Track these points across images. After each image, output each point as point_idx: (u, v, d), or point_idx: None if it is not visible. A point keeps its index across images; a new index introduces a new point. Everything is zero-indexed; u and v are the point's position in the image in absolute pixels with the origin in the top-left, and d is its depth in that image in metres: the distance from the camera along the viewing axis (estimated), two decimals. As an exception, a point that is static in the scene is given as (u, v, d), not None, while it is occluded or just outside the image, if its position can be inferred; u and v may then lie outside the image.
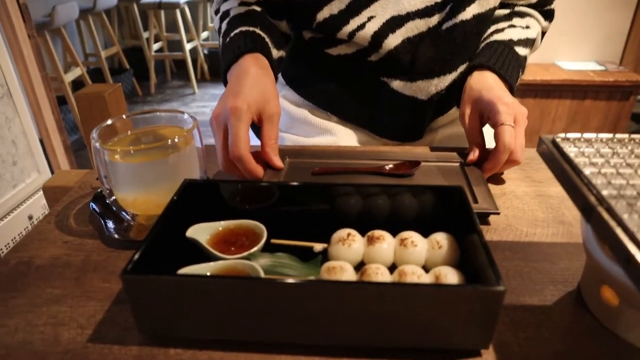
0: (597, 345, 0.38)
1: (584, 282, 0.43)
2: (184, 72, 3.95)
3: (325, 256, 0.44)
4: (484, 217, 0.53)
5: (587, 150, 0.41)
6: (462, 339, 0.36)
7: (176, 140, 0.49)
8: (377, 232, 0.43)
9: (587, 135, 0.43)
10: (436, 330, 0.35)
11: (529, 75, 2.31)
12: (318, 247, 0.44)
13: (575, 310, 0.41)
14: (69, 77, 2.83)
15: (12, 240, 1.62)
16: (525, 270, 0.46)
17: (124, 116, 0.53)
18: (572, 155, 0.40)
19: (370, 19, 0.68)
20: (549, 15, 0.79)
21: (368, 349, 0.37)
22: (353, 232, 0.44)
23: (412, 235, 0.43)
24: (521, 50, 0.71)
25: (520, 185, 0.61)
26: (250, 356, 0.37)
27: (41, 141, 1.91)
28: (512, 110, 0.60)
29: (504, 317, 0.40)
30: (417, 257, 0.42)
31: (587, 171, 0.38)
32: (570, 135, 0.43)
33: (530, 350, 0.37)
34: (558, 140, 0.43)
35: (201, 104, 3.62)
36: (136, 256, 0.36)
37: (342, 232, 0.44)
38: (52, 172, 1.98)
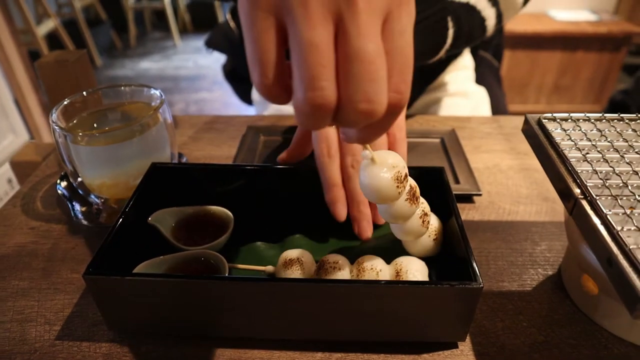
0: (575, 334, 0.37)
1: (565, 267, 0.43)
2: (165, 24, 3.77)
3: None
4: (466, 197, 0.52)
5: (574, 132, 0.39)
6: (438, 333, 0.35)
7: (143, 121, 0.46)
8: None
9: (575, 115, 0.41)
10: (409, 325, 0.34)
11: (520, 26, 2.24)
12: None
13: (555, 296, 0.41)
14: (41, 30, 2.69)
15: (-7, 204, 1.59)
16: (506, 252, 0.45)
17: (84, 93, 0.49)
18: (558, 139, 0.38)
19: None
20: None
21: (339, 343, 0.36)
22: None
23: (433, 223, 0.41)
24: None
25: (504, 158, 0.60)
26: (222, 352, 0.36)
27: (16, 101, 1.84)
28: None
29: (482, 305, 0.40)
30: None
31: (572, 158, 0.36)
32: (558, 115, 0.41)
33: (507, 340, 0.37)
34: (544, 120, 0.41)
35: (184, 56, 3.49)
36: (99, 254, 0.34)
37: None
38: (30, 134, 1.92)
